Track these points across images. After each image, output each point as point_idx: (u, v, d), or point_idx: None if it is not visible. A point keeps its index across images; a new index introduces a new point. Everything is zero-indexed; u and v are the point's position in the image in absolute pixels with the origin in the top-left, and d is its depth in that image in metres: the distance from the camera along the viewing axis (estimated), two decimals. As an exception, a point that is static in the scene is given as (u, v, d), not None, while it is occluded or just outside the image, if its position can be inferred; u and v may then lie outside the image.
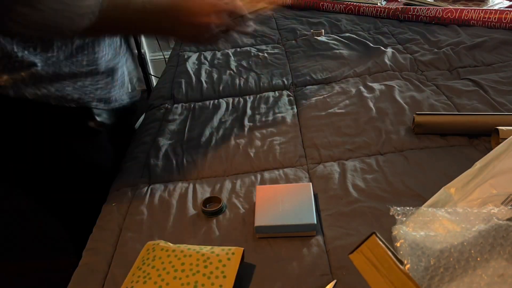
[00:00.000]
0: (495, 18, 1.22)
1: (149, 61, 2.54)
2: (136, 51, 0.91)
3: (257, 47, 1.33)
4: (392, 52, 1.17)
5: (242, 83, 1.12)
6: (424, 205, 0.59)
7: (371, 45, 1.22)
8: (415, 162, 0.77)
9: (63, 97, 0.74)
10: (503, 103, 0.89)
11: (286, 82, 1.10)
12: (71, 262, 0.70)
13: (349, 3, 1.48)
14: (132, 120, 1.07)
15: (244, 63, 1.22)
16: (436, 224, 0.48)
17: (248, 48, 1.32)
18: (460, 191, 0.57)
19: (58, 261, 1.38)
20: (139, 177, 0.83)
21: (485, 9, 1.26)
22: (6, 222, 1.65)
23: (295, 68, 1.16)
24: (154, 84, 2.38)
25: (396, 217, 0.51)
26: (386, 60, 1.12)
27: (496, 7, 1.34)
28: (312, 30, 1.38)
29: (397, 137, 0.84)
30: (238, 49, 1.33)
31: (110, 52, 0.81)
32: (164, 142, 0.91)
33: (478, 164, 0.59)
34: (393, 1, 1.52)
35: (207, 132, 0.93)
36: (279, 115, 0.96)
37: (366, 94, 0.99)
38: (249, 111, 0.99)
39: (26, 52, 0.68)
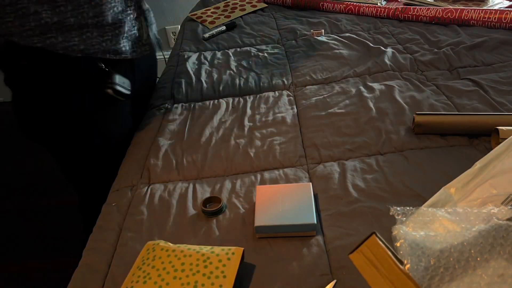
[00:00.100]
0: (495, 18, 1.22)
1: (149, 61, 2.53)
2: (148, 6, 0.91)
3: (257, 47, 1.33)
4: (392, 52, 1.17)
5: (242, 83, 1.12)
6: (424, 205, 0.59)
7: (371, 45, 1.22)
8: (415, 162, 0.77)
9: (69, 47, 0.76)
10: (503, 103, 0.89)
11: (286, 82, 1.10)
12: (71, 262, 0.70)
13: (349, 3, 1.48)
14: (150, 91, 1.08)
15: (244, 63, 1.22)
16: (436, 224, 0.48)
17: (248, 48, 1.32)
18: (460, 191, 0.57)
19: (58, 261, 1.39)
20: (139, 177, 0.83)
21: (485, 9, 1.26)
22: (6, 222, 1.65)
23: (295, 68, 1.16)
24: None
25: (396, 217, 0.51)
26: (386, 60, 1.12)
27: (496, 7, 1.34)
28: (312, 30, 1.38)
29: (397, 137, 0.84)
30: (238, 49, 1.33)
31: (119, 4, 0.81)
32: (164, 142, 0.91)
33: (478, 164, 0.59)
34: (393, 1, 1.52)
35: (207, 132, 0.93)
36: (279, 115, 0.96)
37: (366, 94, 0.99)
38: (249, 111, 0.99)
39: (32, 0, 0.70)
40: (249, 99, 1.04)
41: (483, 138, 0.80)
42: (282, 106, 1.00)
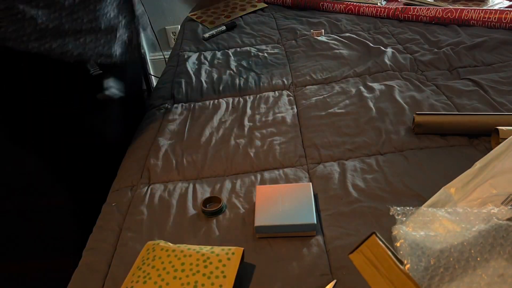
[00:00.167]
0: (495, 18, 1.22)
1: (149, 61, 2.54)
2: (142, 10, 0.91)
3: (257, 47, 1.33)
4: (392, 52, 1.17)
5: (242, 83, 1.12)
6: (424, 205, 0.59)
7: (371, 45, 1.22)
8: (415, 162, 0.77)
9: (64, 53, 0.76)
10: (503, 103, 0.89)
11: (286, 82, 1.10)
12: (71, 262, 0.70)
13: (349, 3, 1.48)
14: (141, 93, 1.09)
15: (244, 63, 1.22)
16: (436, 224, 0.48)
17: (248, 48, 1.32)
18: (460, 191, 0.57)
19: (58, 261, 1.38)
20: (139, 177, 0.83)
21: (485, 9, 1.26)
22: (7, 222, 1.65)
23: (295, 68, 1.16)
24: (154, 84, 2.38)
25: (396, 217, 0.51)
26: (386, 60, 1.12)
27: (496, 7, 1.34)
28: (312, 30, 1.38)
29: (397, 137, 0.84)
30: (238, 49, 1.33)
31: (112, 11, 0.81)
32: (164, 142, 0.91)
33: (478, 164, 0.59)
34: (393, 1, 1.52)
35: (207, 132, 0.93)
36: (279, 115, 0.96)
37: (366, 94, 0.99)
38: (249, 111, 0.99)
39: (28, 6, 0.70)
40: (249, 99, 1.04)
41: (483, 138, 0.80)
42: (282, 106, 1.00)
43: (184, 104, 1.07)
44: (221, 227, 0.68)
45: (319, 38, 1.31)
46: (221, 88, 1.11)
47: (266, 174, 0.79)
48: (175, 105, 1.06)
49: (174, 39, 2.41)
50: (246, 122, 0.95)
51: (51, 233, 1.55)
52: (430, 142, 0.82)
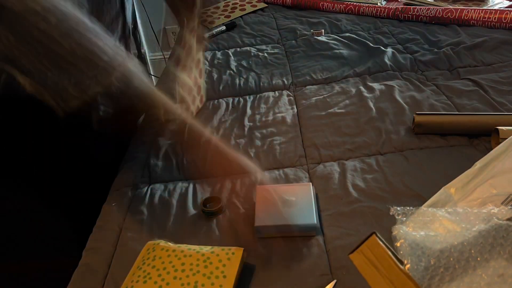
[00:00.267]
0: (495, 18, 1.22)
1: (149, 61, 2.54)
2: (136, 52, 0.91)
3: (257, 47, 1.33)
4: (392, 52, 1.17)
5: (242, 83, 1.12)
6: (424, 205, 0.59)
7: (371, 45, 1.22)
8: (415, 162, 0.77)
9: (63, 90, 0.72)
10: (503, 103, 0.89)
11: (286, 82, 1.10)
12: (71, 262, 0.70)
13: (349, 3, 1.48)
14: (135, 117, 1.07)
15: (244, 63, 1.22)
16: (436, 224, 0.48)
17: (248, 48, 1.32)
18: (460, 191, 0.57)
19: (58, 261, 1.38)
20: (139, 177, 0.83)
21: (485, 9, 1.26)
22: (7, 222, 1.65)
23: (295, 68, 1.16)
24: (154, 84, 2.37)
25: (396, 217, 0.51)
26: (386, 60, 1.12)
27: (496, 7, 1.34)
28: (312, 30, 1.38)
29: (397, 137, 0.84)
30: (238, 49, 1.33)
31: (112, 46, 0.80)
32: (164, 142, 0.91)
33: (478, 164, 0.59)
34: (393, 1, 1.52)
35: (207, 132, 0.93)
36: (279, 115, 0.96)
37: (366, 94, 0.99)
38: (249, 111, 0.99)
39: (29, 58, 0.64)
40: (249, 99, 1.04)
41: (483, 138, 0.80)
42: (282, 106, 1.00)
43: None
44: (221, 227, 0.68)
45: (319, 38, 1.31)
46: (221, 88, 1.11)
47: (266, 174, 0.79)
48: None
49: (174, 39, 2.41)
50: (246, 122, 0.95)
51: (51, 233, 1.55)
52: (430, 142, 0.82)
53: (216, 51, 1.33)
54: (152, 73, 2.54)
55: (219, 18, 1.56)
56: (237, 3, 1.66)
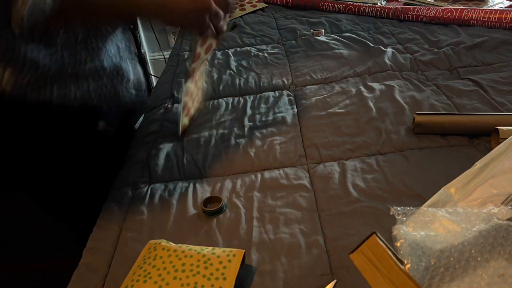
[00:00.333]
0: (495, 18, 1.22)
1: (149, 61, 2.54)
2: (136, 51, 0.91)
3: (257, 47, 1.33)
4: (392, 52, 1.17)
5: (242, 83, 1.12)
6: (424, 205, 0.59)
7: (371, 45, 1.22)
8: (415, 162, 0.77)
9: (66, 98, 0.72)
10: (503, 103, 0.89)
11: (286, 82, 1.10)
12: (71, 262, 0.70)
13: (349, 3, 1.48)
14: (132, 121, 1.07)
15: (244, 63, 1.22)
16: (436, 224, 0.48)
17: (248, 48, 1.32)
18: (460, 191, 0.57)
19: (58, 261, 1.38)
20: (139, 177, 0.83)
21: (485, 9, 1.26)
22: (7, 222, 1.65)
23: (295, 68, 1.16)
24: (154, 84, 2.38)
25: (396, 217, 0.51)
26: (386, 60, 1.12)
27: (496, 7, 1.34)
28: (312, 30, 1.38)
29: (397, 137, 0.84)
30: (238, 49, 1.33)
31: (113, 48, 0.79)
32: (164, 142, 0.91)
33: (478, 164, 0.59)
34: (393, 1, 1.52)
35: (207, 132, 0.93)
36: (279, 115, 0.96)
37: (366, 94, 0.99)
38: (249, 111, 0.99)
39: (29, 46, 0.65)
40: (249, 99, 1.04)
41: (483, 138, 0.80)
42: (282, 106, 1.00)
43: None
44: (222, 226, 0.68)
45: (319, 38, 1.31)
46: (221, 88, 1.11)
47: (267, 174, 0.79)
48: (175, 105, 1.06)
49: (174, 39, 2.41)
50: (246, 122, 0.95)
51: (51, 233, 1.55)
52: (430, 142, 0.82)
53: (216, 51, 1.33)
54: (152, 73, 2.54)
55: (219, 18, 1.56)
56: (237, 3, 1.66)
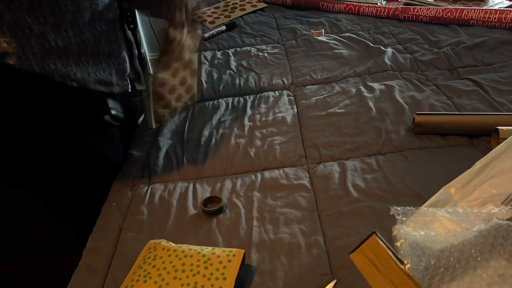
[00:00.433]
0: (495, 18, 1.22)
1: (149, 61, 2.54)
2: (136, 51, 0.91)
3: (257, 47, 1.33)
4: (392, 52, 1.17)
5: (242, 83, 1.12)
6: (424, 205, 0.59)
7: (371, 45, 1.22)
8: (415, 162, 0.77)
9: (68, 75, 0.72)
10: (503, 103, 0.89)
11: (286, 82, 1.10)
12: (71, 262, 0.70)
13: (349, 3, 1.48)
14: (135, 117, 1.07)
15: (244, 63, 1.22)
16: (436, 224, 0.48)
17: (248, 48, 1.32)
18: (460, 191, 0.57)
19: (58, 261, 1.38)
20: (139, 177, 0.83)
21: (485, 9, 1.26)
22: (7, 222, 1.65)
23: (295, 68, 1.16)
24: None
25: (396, 217, 0.51)
26: (386, 60, 1.12)
27: (496, 7, 1.34)
28: (312, 30, 1.38)
29: (397, 137, 0.84)
30: (238, 49, 1.33)
31: (113, 33, 0.80)
32: (164, 142, 0.91)
33: (478, 164, 0.59)
34: (393, 1, 1.52)
35: (207, 132, 0.93)
36: (279, 114, 0.96)
37: (366, 94, 0.99)
38: (249, 111, 0.99)
39: (36, 20, 0.65)
40: (249, 99, 1.04)
41: (483, 138, 0.80)
42: (282, 106, 1.00)
43: (184, 103, 1.06)
44: (222, 226, 0.68)
45: (319, 38, 1.31)
46: (221, 88, 1.11)
47: (267, 174, 0.79)
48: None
49: (174, 39, 2.40)
50: (246, 122, 0.95)
51: (51, 233, 1.55)
52: (430, 142, 0.82)
53: (216, 51, 1.33)
54: (152, 73, 2.54)
55: (219, 18, 1.56)
56: (237, 3, 1.66)
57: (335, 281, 0.57)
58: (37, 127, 0.76)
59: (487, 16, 1.23)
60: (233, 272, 0.56)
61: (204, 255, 0.58)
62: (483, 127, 0.80)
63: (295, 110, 0.98)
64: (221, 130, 0.93)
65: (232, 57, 1.27)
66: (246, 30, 1.45)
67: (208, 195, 0.75)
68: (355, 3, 1.47)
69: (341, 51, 1.21)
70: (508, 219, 0.45)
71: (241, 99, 1.05)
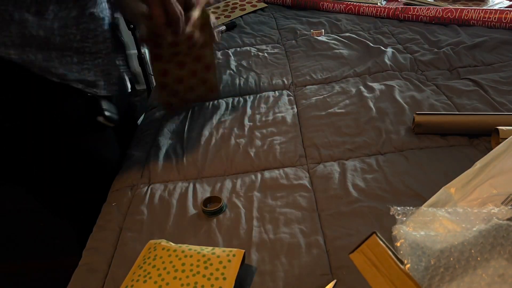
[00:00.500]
0: (495, 18, 1.22)
1: (149, 61, 2.53)
2: (136, 51, 0.90)
3: (257, 47, 1.33)
4: (392, 52, 1.17)
5: (242, 83, 1.12)
6: (424, 205, 0.59)
7: (371, 45, 1.22)
8: (415, 162, 0.77)
9: (48, 69, 0.70)
10: (503, 103, 0.89)
11: (286, 81, 1.10)
12: (71, 262, 0.70)
13: (349, 3, 1.48)
14: (134, 118, 1.06)
15: (244, 63, 1.22)
16: (436, 224, 0.48)
17: (248, 48, 1.32)
18: (460, 191, 0.57)
19: (58, 261, 1.38)
20: (139, 177, 0.83)
21: (485, 9, 1.26)
22: (7, 222, 1.65)
23: (295, 68, 1.16)
24: (154, 84, 2.37)
25: (396, 217, 0.51)
26: (386, 60, 1.12)
27: (496, 7, 1.34)
28: (312, 30, 1.38)
29: (397, 137, 0.84)
30: (238, 49, 1.33)
31: (101, 35, 0.78)
32: (164, 142, 0.91)
33: (478, 164, 0.59)
34: (393, 1, 1.52)
35: (207, 132, 0.93)
36: (279, 114, 0.96)
37: (366, 94, 0.99)
38: (249, 111, 0.99)
39: (18, 9, 0.63)
40: (249, 99, 1.04)
41: (483, 138, 0.80)
42: (282, 106, 1.00)
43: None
44: (222, 226, 0.68)
45: (319, 38, 1.31)
46: (221, 88, 1.11)
47: (267, 174, 0.79)
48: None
49: (174, 39, 2.40)
50: (246, 122, 0.95)
51: (51, 233, 1.55)
52: (430, 142, 0.82)
53: (216, 51, 1.33)
54: (152, 73, 2.54)
55: (219, 18, 1.56)
56: (237, 3, 1.66)
57: (335, 281, 0.57)
58: (31, 127, 0.75)
59: (487, 16, 1.23)
60: (233, 272, 0.56)
61: (204, 255, 0.58)
62: (483, 127, 0.80)
63: (295, 110, 0.98)
64: (221, 130, 0.93)
65: (232, 57, 1.27)
66: (246, 30, 1.45)
67: (208, 195, 0.75)
68: (355, 3, 1.47)
69: (341, 51, 1.21)
70: (508, 219, 0.45)
71: (241, 99, 1.05)
